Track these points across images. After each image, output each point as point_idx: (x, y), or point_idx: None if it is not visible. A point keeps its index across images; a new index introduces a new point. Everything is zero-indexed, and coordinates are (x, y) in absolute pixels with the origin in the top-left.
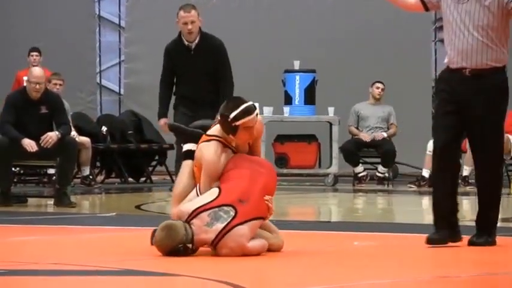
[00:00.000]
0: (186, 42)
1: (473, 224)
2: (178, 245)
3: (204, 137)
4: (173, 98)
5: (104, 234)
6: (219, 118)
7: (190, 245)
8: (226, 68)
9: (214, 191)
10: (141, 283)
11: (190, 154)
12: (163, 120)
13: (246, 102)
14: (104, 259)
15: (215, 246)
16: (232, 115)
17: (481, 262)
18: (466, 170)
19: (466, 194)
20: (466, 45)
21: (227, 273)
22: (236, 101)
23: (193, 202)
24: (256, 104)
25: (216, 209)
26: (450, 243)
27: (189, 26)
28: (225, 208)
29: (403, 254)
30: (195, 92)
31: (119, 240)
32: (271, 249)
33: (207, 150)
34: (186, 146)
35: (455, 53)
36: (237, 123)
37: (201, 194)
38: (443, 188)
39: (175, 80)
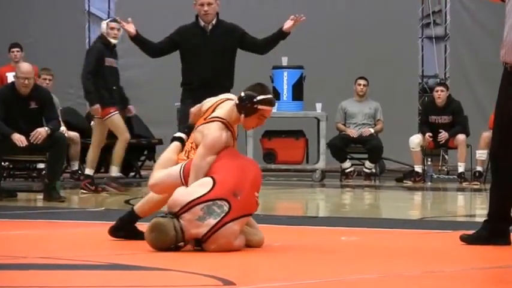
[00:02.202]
0: (203, 23)
1: (469, 219)
2: (169, 246)
3: (201, 120)
4: (179, 90)
5: (93, 229)
6: (241, 95)
7: (182, 243)
8: (249, 35)
9: (208, 181)
10: (129, 277)
11: (178, 138)
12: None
13: (271, 93)
14: (93, 253)
15: (204, 241)
16: (259, 97)
17: (467, 258)
18: (461, 167)
19: (462, 190)
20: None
21: (215, 267)
22: (265, 88)
23: (186, 192)
24: None
25: (210, 202)
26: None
27: (206, 8)
28: (219, 202)
29: (390, 249)
30: (209, 75)
31: (108, 235)
32: (250, 245)
33: (211, 128)
34: (177, 134)
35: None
36: (259, 107)
37: (193, 168)
38: None
39: (183, 68)
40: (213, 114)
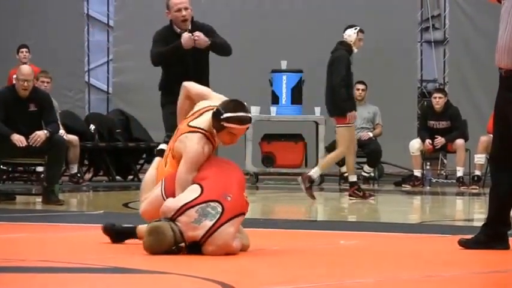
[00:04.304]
0: (178, 30)
1: (467, 223)
2: (168, 248)
3: (186, 128)
4: (158, 93)
5: (92, 232)
6: (214, 109)
7: (183, 244)
8: (220, 36)
9: (196, 188)
10: (129, 281)
11: (161, 152)
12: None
13: (246, 112)
14: (92, 257)
15: (202, 244)
16: (226, 115)
17: (466, 262)
18: (460, 171)
19: (461, 194)
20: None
21: (214, 271)
22: (238, 105)
23: (178, 199)
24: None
25: (204, 204)
26: None
27: (183, 13)
28: (212, 204)
29: (389, 253)
30: (190, 79)
31: (107, 238)
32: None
33: (191, 141)
34: (160, 146)
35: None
36: (226, 124)
37: (178, 183)
38: None
39: (161, 74)
40: (197, 123)
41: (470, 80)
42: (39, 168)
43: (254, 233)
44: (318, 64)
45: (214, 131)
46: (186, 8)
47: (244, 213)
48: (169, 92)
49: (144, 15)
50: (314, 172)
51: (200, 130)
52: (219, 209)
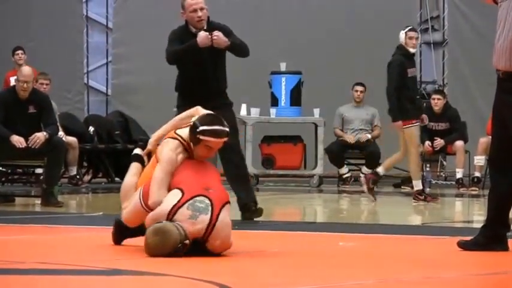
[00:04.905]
0: (194, 30)
1: (467, 225)
2: (173, 247)
3: (171, 134)
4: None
5: (91, 233)
6: (191, 123)
7: (187, 241)
8: (237, 37)
9: (176, 192)
10: (128, 283)
11: (137, 157)
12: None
13: (222, 125)
14: (91, 259)
15: (206, 239)
16: (201, 128)
17: (465, 263)
18: (459, 173)
19: (460, 195)
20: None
21: (214, 273)
22: (214, 119)
23: (164, 204)
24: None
25: (191, 201)
26: None
27: (199, 13)
28: (198, 198)
29: (388, 255)
30: (205, 80)
31: (106, 240)
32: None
33: (167, 146)
34: (135, 151)
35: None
36: (201, 137)
37: (153, 182)
38: None
39: (177, 74)
40: (181, 132)
41: (470, 82)
42: (39, 170)
43: (254, 234)
44: (317, 66)
45: (191, 144)
46: (201, 9)
47: (229, 202)
48: (185, 93)
49: (143, 17)
50: (379, 171)
51: (179, 138)
52: (207, 201)
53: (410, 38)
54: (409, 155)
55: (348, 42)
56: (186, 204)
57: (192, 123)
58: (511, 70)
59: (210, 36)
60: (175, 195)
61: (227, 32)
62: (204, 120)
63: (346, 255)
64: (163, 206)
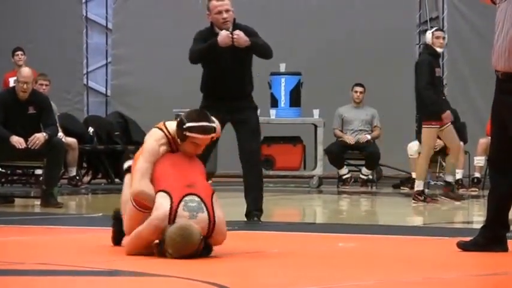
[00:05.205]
0: (219, 32)
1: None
2: (194, 249)
3: (160, 124)
4: (199, 95)
5: (91, 234)
6: (178, 119)
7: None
8: (261, 39)
9: (164, 195)
10: (127, 283)
11: (130, 170)
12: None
13: (209, 121)
14: (91, 259)
15: (209, 236)
16: (187, 124)
17: (465, 264)
18: (459, 173)
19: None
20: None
21: (214, 274)
22: (201, 115)
23: (160, 208)
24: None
25: (182, 202)
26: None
27: (224, 15)
28: (187, 198)
29: (387, 256)
30: (229, 86)
31: (106, 240)
32: None
33: (151, 136)
34: (127, 163)
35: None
36: (187, 133)
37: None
38: None
39: (203, 74)
40: (169, 124)
41: (469, 82)
42: (38, 171)
43: (253, 235)
44: (316, 66)
45: (179, 140)
46: (227, 10)
47: (214, 192)
48: (208, 93)
49: (143, 17)
50: (449, 180)
51: (165, 131)
52: (197, 199)
53: (437, 37)
54: (421, 154)
55: (347, 43)
56: (181, 206)
57: (179, 119)
58: (510, 71)
59: (230, 36)
60: (164, 198)
61: (251, 33)
62: (190, 116)
63: (345, 256)
64: (159, 210)
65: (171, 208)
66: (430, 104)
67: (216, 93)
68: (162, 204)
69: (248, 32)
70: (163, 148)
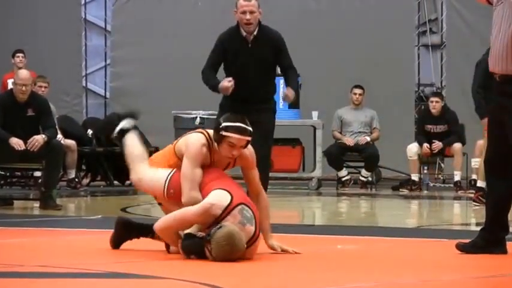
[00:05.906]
0: (244, 33)
1: (465, 228)
2: (238, 255)
3: (198, 130)
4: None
5: (90, 236)
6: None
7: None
8: (289, 57)
9: (224, 193)
10: (128, 286)
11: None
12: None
13: (245, 124)
14: (90, 262)
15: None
16: (224, 124)
17: (464, 266)
18: (457, 175)
19: (458, 198)
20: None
21: (214, 276)
22: (238, 117)
23: (219, 198)
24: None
25: (239, 206)
26: None
27: (248, 16)
28: (245, 207)
29: (386, 258)
30: (249, 89)
31: (105, 243)
32: None
33: (194, 139)
34: (122, 124)
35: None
36: (224, 133)
37: (184, 177)
38: None
39: (225, 77)
40: (209, 130)
41: (468, 84)
42: (37, 173)
43: None
44: (315, 68)
45: (215, 144)
46: (251, 12)
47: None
48: (227, 98)
49: (142, 20)
50: (480, 185)
51: (205, 133)
52: (251, 213)
53: None
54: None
55: (346, 45)
56: (237, 208)
57: (215, 122)
58: (508, 73)
59: (230, 86)
60: (225, 194)
61: (277, 45)
62: (228, 117)
63: (344, 258)
64: (218, 198)
65: (229, 204)
66: (475, 107)
67: (237, 96)
68: (223, 196)
69: (276, 40)
70: (205, 148)
